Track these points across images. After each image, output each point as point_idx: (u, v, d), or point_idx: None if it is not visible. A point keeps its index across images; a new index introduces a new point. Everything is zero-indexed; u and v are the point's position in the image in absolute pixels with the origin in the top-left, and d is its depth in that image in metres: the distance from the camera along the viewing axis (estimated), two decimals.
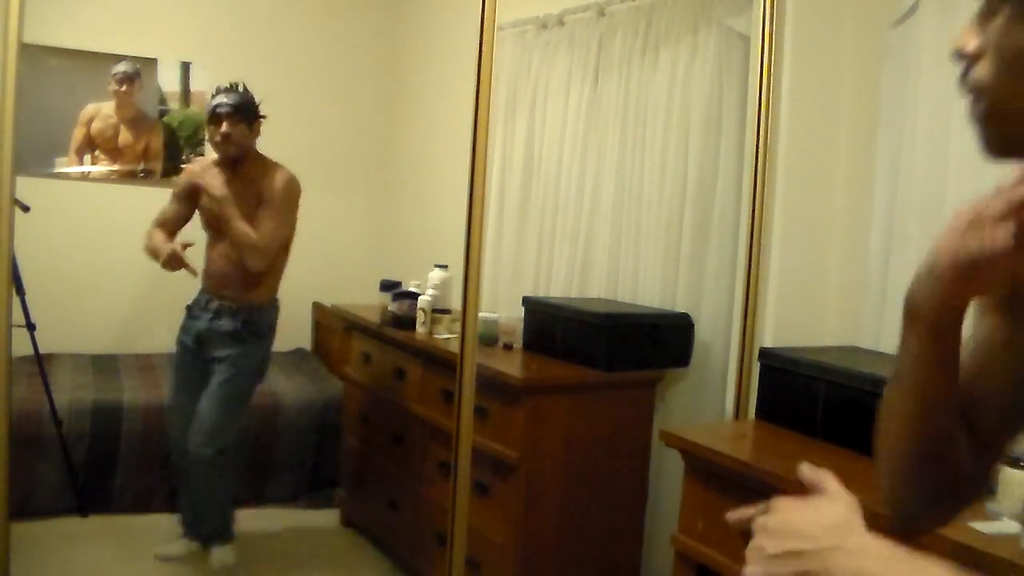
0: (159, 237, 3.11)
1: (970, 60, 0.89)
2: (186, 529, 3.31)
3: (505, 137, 3.73)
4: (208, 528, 3.24)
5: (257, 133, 3.14)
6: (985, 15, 0.87)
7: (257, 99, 3.16)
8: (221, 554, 3.22)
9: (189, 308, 3.24)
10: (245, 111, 3.06)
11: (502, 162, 3.74)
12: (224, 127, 3.02)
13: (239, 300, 3.14)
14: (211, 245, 3.19)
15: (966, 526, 1.50)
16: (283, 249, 3.17)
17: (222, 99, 3.05)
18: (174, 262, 3.00)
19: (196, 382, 3.16)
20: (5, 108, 1.90)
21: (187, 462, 3.14)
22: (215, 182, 3.07)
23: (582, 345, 2.75)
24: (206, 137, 3.14)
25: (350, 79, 5.00)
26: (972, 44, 0.88)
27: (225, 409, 3.11)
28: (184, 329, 3.22)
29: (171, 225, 3.19)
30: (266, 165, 3.15)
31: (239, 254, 3.06)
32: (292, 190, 3.12)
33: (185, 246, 3.03)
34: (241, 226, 3.01)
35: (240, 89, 3.13)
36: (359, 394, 3.65)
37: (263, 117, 3.17)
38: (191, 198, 3.18)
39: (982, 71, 0.88)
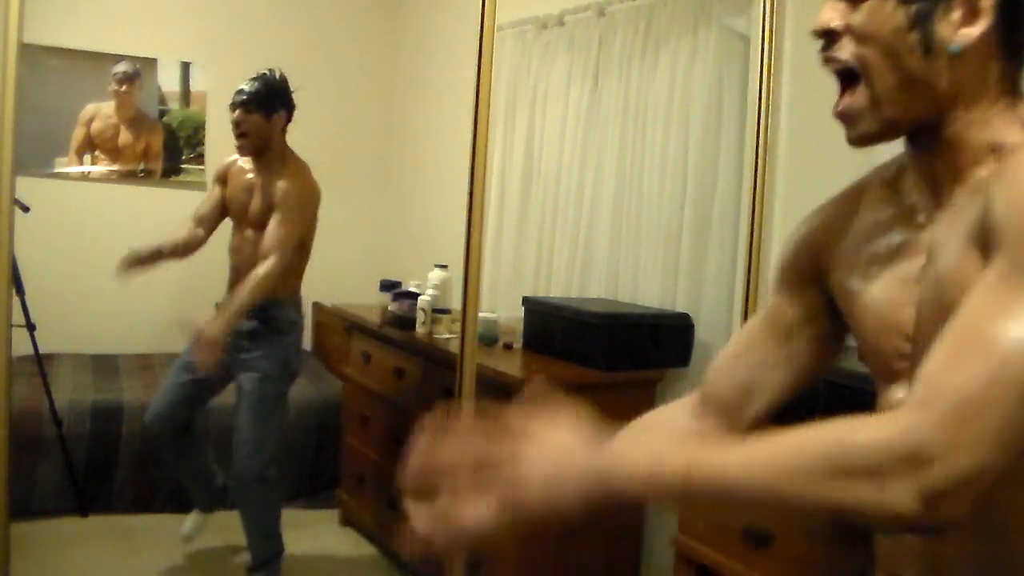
0: (176, 231, 3.07)
1: (833, 37, 0.89)
2: (195, 502, 3.27)
3: (505, 137, 3.73)
4: (255, 558, 3.06)
5: (278, 124, 2.97)
6: None
7: (291, 88, 3.02)
8: None
9: (219, 305, 3.07)
10: (261, 101, 2.91)
11: (502, 162, 3.74)
12: (236, 116, 2.92)
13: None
14: (232, 240, 3.11)
15: None
16: (298, 247, 3.02)
17: (242, 87, 2.95)
18: (127, 264, 2.98)
19: (207, 378, 2.99)
20: (5, 108, 1.90)
21: (165, 443, 3.06)
22: (240, 183, 3.05)
23: (582, 345, 2.75)
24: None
25: (350, 79, 5.01)
26: (836, 22, 0.89)
27: (261, 420, 2.97)
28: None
29: (205, 219, 3.13)
30: (285, 162, 3.01)
31: (253, 249, 2.96)
32: (302, 193, 2.98)
33: (158, 254, 3.01)
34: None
35: (268, 75, 2.98)
36: (359, 394, 3.65)
37: (292, 108, 3.01)
38: (223, 186, 3.13)
39: (846, 50, 0.88)
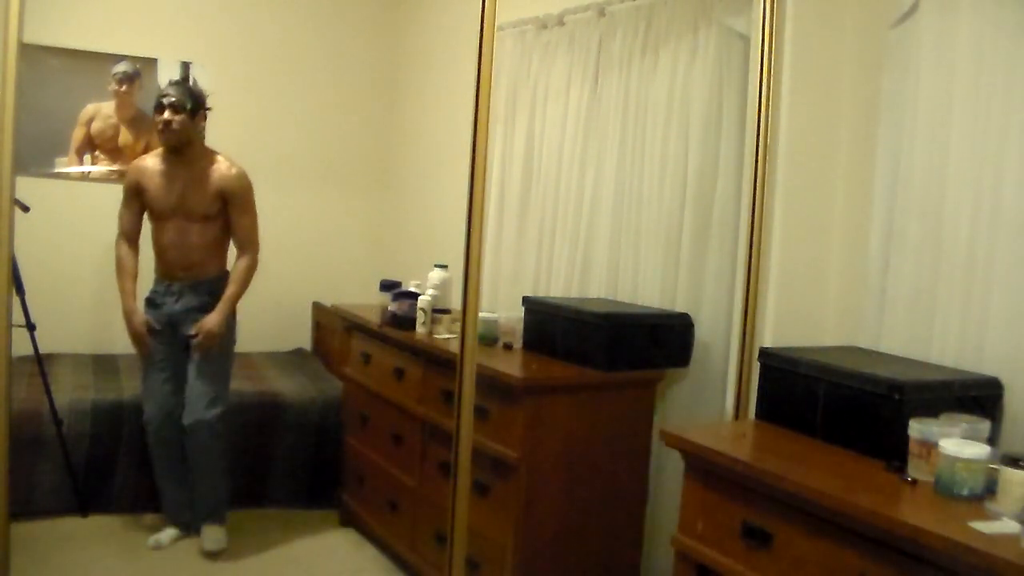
0: (128, 275, 3.33)
1: None
2: (168, 517, 3.43)
3: (505, 137, 3.73)
4: (202, 506, 3.38)
5: (200, 123, 3.33)
6: None
7: (206, 93, 3.37)
8: (213, 534, 3.33)
9: (150, 300, 3.40)
10: (188, 102, 3.23)
11: (502, 162, 3.74)
12: (166, 115, 3.21)
13: (198, 275, 3.35)
14: (160, 233, 3.34)
15: (966, 526, 1.50)
16: (227, 224, 3.37)
17: (167, 90, 3.26)
18: (141, 344, 3.34)
19: (176, 364, 3.38)
20: (5, 108, 1.90)
21: (169, 442, 3.36)
22: (162, 180, 3.30)
23: (582, 345, 2.75)
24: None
25: (350, 79, 5.00)
26: None
27: (217, 379, 3.35)
28: (155, 319, 3.36)
29: (135, 229, 3.39)
30: (213, 157, 3.34)
31: (190, 235, 3.30)
32: (247, 183, 3.35)
33: (146, 324, 3.32)
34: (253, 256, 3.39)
35: (188, 82, 3.34)
36: (359, 394, 3.65)
37: (208, 109, 3.36)
38: (139, 195, 3.34)
39: None
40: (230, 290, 3.33)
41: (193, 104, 3.25)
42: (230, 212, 3.33)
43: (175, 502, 3.42)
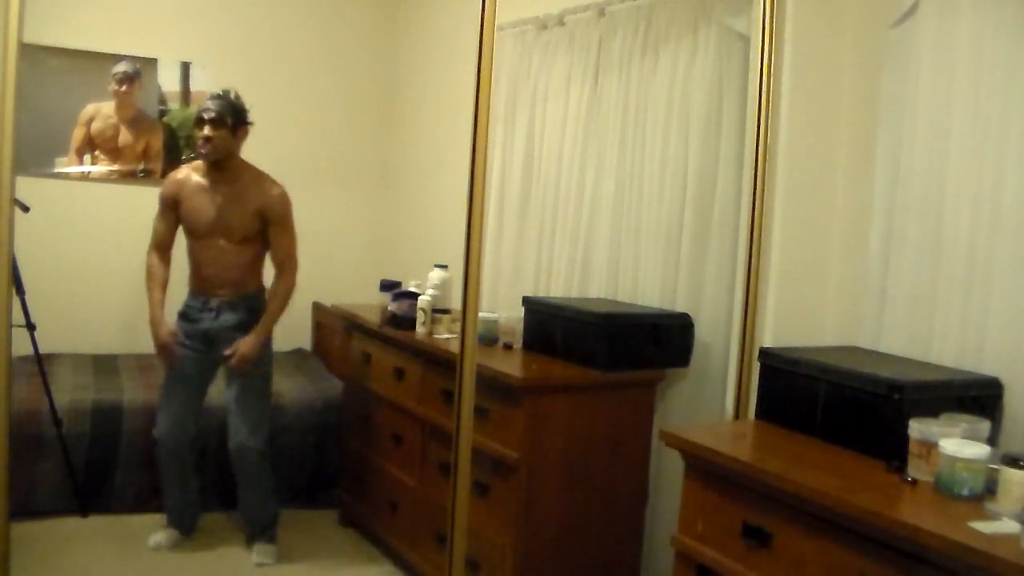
0: (158, 285, 3.26)
1: None
2: (170, 519, 3.42)
3: (505, 137, 3.73)
4: (253, 525, 3.38)
5: (241, 139, 3.23)
6: None
7: (247, 106, 3.25)
8: (264, 550, 3.33)
9: (184, 314, 3.32)
10: (228, 117, 3.15)
11: (502, 162, 3.74)
12: (206, 130, 3.13)
13: (237, 293, 3.28)
14: (197, 250, 3.28)
15: (966, 526, 1.50)
16: (265, 243, 3.31)
17: (208, 104, 3.17)
18: (169, 357, 3.24)
19: (202, 381, 3.34)
20: (5, 108, 1.90)
21: (180, 456, 3.32)
22: (201, 196, 3.23)
23: (582, 345, 2.75)
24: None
25: (350, 79, 5.01)
26: None
27: (261, 400, 3.32)
28: (187, 334, 3.29)
29: (167, 242, 3.33)
30: (254, 173, 3.28)
31: (228, 253, 3.23)
32: (287, 201, 3.28)
33: (173, 335, 3.25)
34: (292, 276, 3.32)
35: (230, 96, 3.23)
36: (359, 394, 3.65)
37: (250, 124, 3.26)
38: (175, 208, 3.29)
39: None
40: (270, 312, 3.27)
41: (235, 119, 3.17)
42: (269, 232, 3.25)
43: (178, 507, 3.41)
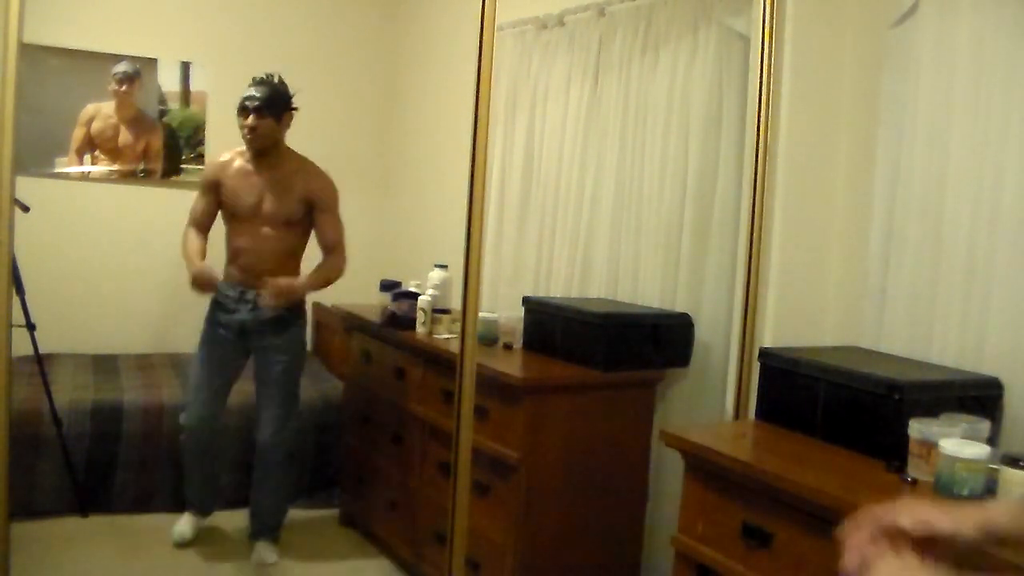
0: (195, 246, 3.18)
1: None
2: (189, 504, 3.43)
3: (505, 137, 3.73)
4: (259, 522, 3.36)
5: (286, 126, 3.18)
6: None
7: (291, 91, 3.20)
8: (266, 550, 3.31)
9: (219, 303, 3.25)
10: (273, 104, 3.09)
11: (502, 162, 3.74)
12: (251, 120, 3.07)
13: None
14: (237, 236, 3.22)
15: None
16: (306, 233, 3.27)
17: (251, 91, 3.10)
18: (206, 284, 3.09)
19: (231, 372, 3.31)
20: (5, 108, 1.90)
21: (204, 445, 3.31)
22: (244, 180, 3.17)
23: (582, 345, 2.75)
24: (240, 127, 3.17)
25: (350, 79, 5.00)
26: None
27: (290, 398, 3.29)
28: (222, 324, 3.24)
29: (206, 222, 3.27)
30: (299, 160, 3.24)
31: (268, 239, 3.16)
32: (334, 188, 3.25)
33: (211, 269, 3.13)
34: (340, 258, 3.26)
35: (274, 81, 3.17)
36: (359, 394, 3.65)
37: (295, 110, 3.20)
38: (216, 190, 3.23)
39: None
40: (315, 273, 3.18)
41: (279, 106, 3.11)
42: (316, 217, 3.20)
43: (199, 491, 3.42)
